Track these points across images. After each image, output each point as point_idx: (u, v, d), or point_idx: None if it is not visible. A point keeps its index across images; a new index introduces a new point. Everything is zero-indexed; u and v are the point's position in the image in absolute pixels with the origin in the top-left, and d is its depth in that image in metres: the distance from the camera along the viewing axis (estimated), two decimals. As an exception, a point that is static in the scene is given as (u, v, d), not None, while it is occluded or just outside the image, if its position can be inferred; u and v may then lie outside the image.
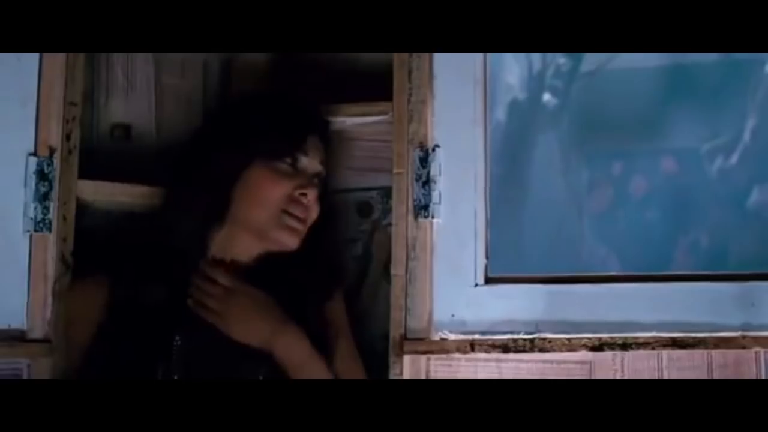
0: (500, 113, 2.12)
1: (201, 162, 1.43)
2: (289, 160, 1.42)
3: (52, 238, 1.38)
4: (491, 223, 1.46)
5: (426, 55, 1.45)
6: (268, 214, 1.40)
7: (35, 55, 1.38)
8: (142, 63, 1.56)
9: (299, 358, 1.38)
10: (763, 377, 1.38)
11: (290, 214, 1.41)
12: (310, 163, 1.44)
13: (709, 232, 2.07)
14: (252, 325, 1.38)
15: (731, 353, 1.38)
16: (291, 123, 1.44)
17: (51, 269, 1.38)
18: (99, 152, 1.50)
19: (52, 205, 1.38)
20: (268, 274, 1.44)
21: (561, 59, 2.20)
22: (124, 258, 1.43)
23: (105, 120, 1.54)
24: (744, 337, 1.36)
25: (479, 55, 1.46)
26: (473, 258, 1.42)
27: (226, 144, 1.43)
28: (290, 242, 1.42)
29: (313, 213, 1.43)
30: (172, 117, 1.58)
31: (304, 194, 1.41)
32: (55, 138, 1.40)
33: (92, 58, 1.51)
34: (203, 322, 1.38)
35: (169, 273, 1.40)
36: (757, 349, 1.37)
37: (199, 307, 1.39)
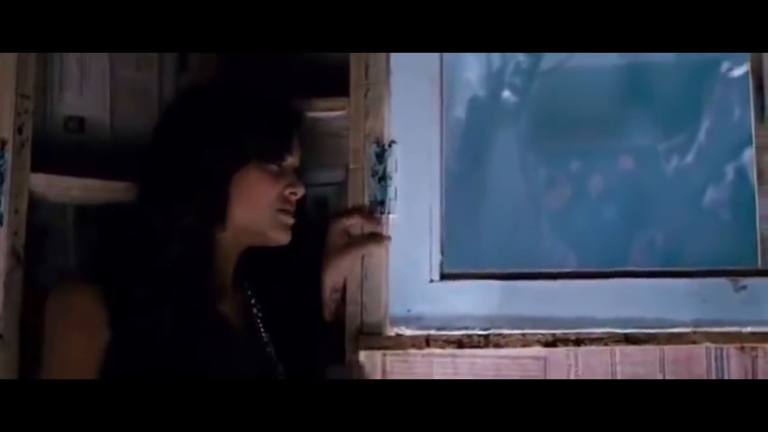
0: (459, 110, 2.12)
1: (190, 162, 1.36)
2: (279, 161, 1.40)
3: (3, 231, 1.36)
4: (448, 219, 1.47)
5: (383, 54, 1.45)
6: (264, 216, 1.38)
7: (-14, 46, 1.37)
8: (97, 55, 1.54)
9: None
10: (714, 372, 1.41)
11: (284, 212, 1.39)
12: (293, 160, 1.42)
13: (665, 230, 2.09)
14: None
15: (682, 349, 1.40)
16: (283, 124, 1.41)
17: (2, 263, 1.36)
18: (52, 145, 1.49)
19: (4, 199, 1.36)
20: (259, 268, 1.43)
21: (521, 57, 2.21)
22: (121, 267, 1.33)
23: (58, 112, 1.53)
24: (695, 332, 1.38)
25: (435, 55, 1.46)
26: (429, 254, 1.43)
27: (218, 144, 1.36)
28: (286, 239, 1.40)
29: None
30: (127, 110, 1.57)
31: (294, 192, 1.40)
32: (6, 130, 1.38)
33: (45, 50, 1.49)
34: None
35: (173, 283, 1.32)
36: (708, 344, 1.39)
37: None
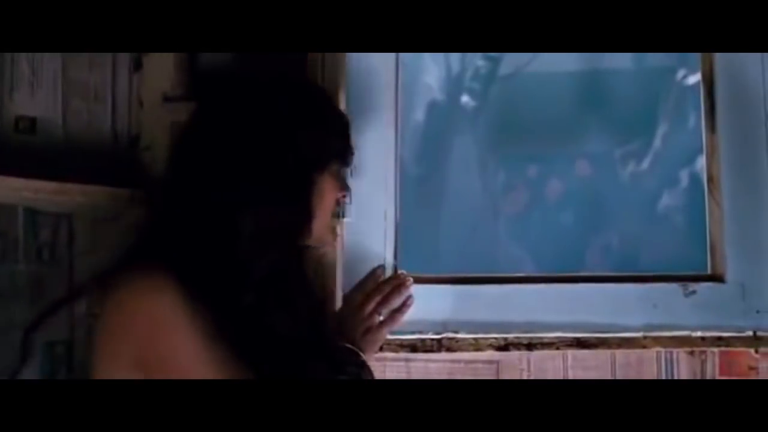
0: (419, 114, 2.13)
1: (279, 161, 1.25)
2: (347, 163, 1.36)
3: (-50, 233, 1.35)
4: (404, 224, 1.47)
5: (339, 55, 1.45)
6: (327, 219, 1.33)
7: (-66, 45, 1.35)
8: (49, 55, 1.53)
9: None
10: (664, 376, 1.42)
11: (333, 216, 1.36)
12: None
13: (620, 235, 2.12)
14: None
15: (633, 353, 1.42)
16: (348, 123, 1.37)
17: (-51, 265, 1.35)
18: (2, 145, 1.47)
19: (-49, 200, 1.35)
20: None
21: (480, 62, 2.23)
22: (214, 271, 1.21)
23: (9, 112, 1.51)
24: (645, 337, 1.40)
25: (392, 57, 1.46)
26: (382, 258, 1.43)
27: (307, 145, 1.27)
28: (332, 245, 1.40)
29: None
30: (79, 110, 1.55)
31: (345, 195, 1.36)
32: (-46, 131, 1.36)
33: (-5, 49, 1.47)
34: None
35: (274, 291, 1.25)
36: (658, 348, 1.41)
37: None
